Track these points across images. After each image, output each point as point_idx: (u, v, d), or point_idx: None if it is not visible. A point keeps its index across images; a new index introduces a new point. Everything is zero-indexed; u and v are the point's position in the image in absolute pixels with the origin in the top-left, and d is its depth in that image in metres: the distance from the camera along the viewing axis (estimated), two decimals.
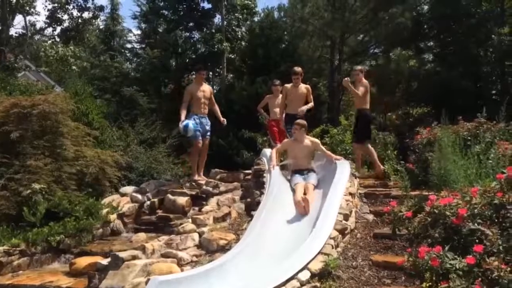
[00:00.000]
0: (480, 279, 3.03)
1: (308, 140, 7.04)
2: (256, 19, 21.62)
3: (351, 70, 20.03)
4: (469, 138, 7.31)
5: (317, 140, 7.35)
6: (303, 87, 8.21)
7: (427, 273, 3.34)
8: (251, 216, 6.20)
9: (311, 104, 8.14)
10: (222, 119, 8.41)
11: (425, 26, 17.69)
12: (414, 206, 4.20)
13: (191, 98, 8.05)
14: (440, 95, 14.31)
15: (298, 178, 6.63)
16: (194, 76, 21.77)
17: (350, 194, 6.45)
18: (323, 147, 7.37)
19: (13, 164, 6.74)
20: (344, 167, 7.08)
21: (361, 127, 8.19)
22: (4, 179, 6.49)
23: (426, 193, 5.40)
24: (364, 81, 8.13)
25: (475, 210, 3.66)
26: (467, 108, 8.90)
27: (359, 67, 8.33)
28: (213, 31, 20.47)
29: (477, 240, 3.40)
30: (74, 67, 16.55)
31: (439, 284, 3.20)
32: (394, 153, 9.14)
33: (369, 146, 8.22)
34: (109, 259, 4.89)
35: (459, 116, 8.15)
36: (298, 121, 6.99)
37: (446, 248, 3.35)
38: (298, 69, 8.31)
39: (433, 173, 6.74)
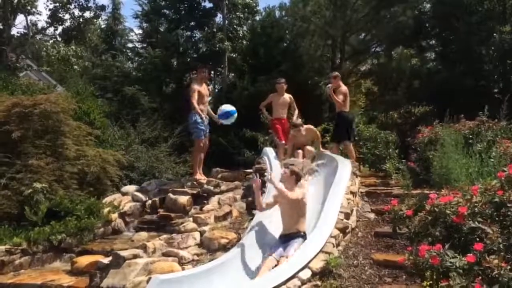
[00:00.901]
0: (480, 277, 3.03)
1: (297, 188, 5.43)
2: (257, 18, 21.60)
3: (352, 68, 20.06)
4: (470, 136, 7.31)
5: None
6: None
7: (427, 272, 3.33)
8: (252, 215, 6.20)
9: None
10: (217, 119, 8.24)
11: (427, 25, 17.61)
12: (415, 205, 4.20)
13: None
14: (442, 93, 14.26)
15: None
16: (195, 75, 21.89)
17: (351, 193, 6.45)
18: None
19: (15, 163, 6.77)
20: (345, 166, 7.08)
21: (340, 128, 8.32)
22: (6, 179, 6.51)
23: (428, 192, 5.40)
24: (343, 87, 8.27)
25: (476, 209, 3.65)
26: (469, 107, 8.87)
27: (335, 73, 8.47)
28: (215, 30, 20.46)
29: (477, 239, 3.40)
30: (75, 67, 16.59)
31: (439, 283, 3.20)
32: (395, 151, 9.13)
33: (349, 145, 8.30)
34: (110, 258, 4.90)
35: (460, 114, 8.14)
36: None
37: (447, 246, 3.35)
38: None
39: (434, 171, 6.74)
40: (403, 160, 8.10)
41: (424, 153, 7.58)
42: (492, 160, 6.15)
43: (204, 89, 8.16)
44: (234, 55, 20.19)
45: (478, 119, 7.84)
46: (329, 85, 8.38)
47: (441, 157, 6.77)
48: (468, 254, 3.20)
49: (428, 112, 16.33)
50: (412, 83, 17.66)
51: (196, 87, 7.93)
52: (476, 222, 3.52)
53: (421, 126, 8.64)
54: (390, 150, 9.18)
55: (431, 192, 5.13)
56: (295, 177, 5.39)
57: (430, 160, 7.08)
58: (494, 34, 13.87)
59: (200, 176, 7.95)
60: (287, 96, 8.67)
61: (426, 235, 3.72)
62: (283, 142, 8.21)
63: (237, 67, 20.13)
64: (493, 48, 14.35)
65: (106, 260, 4.93)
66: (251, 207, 6.79)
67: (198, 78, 8.12)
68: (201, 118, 7.86)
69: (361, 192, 7.24)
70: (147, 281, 4.38)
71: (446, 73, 15.22)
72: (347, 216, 5.76)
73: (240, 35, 20.81)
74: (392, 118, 18.87)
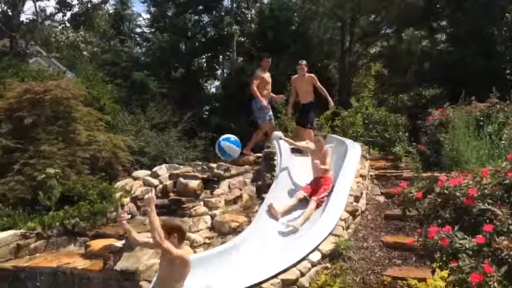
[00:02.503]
0: (489, 258, 3.04)
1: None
2: (265, 0, 21.38)
3: (362, 51, 19.85)
4: (481, 118, 7.24)
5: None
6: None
7: (437, 253, 3.35)
8: (262, 199, 6.26)
9: None
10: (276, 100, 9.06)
11: (438, 6, 17.33)
12: (425, 187, 4.19)
13: (259, 83, 8.25)
14: (453, 75, 14.09)
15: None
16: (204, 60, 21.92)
17: (361, 176, 6.46)
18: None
19: (28, 149, 6.86)
20: (354, 150, 7.08)
21: (305, 115, 8.45)
22: (19, 164, 6.61)
23: (438, 175, 5.38)
24: (308, 75, 8.42)
25: (486, 191, 3.65)
26: (480, 89, 8.76)
27: (303, 62, 8.50)
28: (223, 14, 20.30)
29: (487, 220, 3.40)
30: (84, 53, 16.62)
31: (448, 264, 3.22)
32: (405, 134, 9.08)
33: (310, 131, 8.22)
34: (123, 242, 4.98)
35: (472, 96, 8.05)
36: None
37: (456, 228, 3.36)
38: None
39: (445, 154, 6.70)
40: (413, 143, 8.06)
41: (435, 135, 7.51)
42: (503, 142, 6.11)
43: (268, 77, 8.44)
44: (242, 39, 20.05)
45: (489, 101, 7.74)
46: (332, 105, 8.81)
47: (452, 140, 6.73)
48: (478, 236, 3.21)
49: (438, 95, 16.20)
50: (423, 65, 17.45)
51: (260, 74, 8.31)
52: (486, 204, 3.52)
53: (432, 109, 8.56)
54: (400, 133, 9.12)
55: (441, 174, 5.12)
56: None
57: (440, 142, 7.03)
58: (506, 14, 13.60)
59: (249, 153, 8.38)
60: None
61: (436, 217, 3.73)
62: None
63: (246, 50, 20.01)
64: (505, 28, 14.09)
65: (119, 244, 5.02)
66: (261, 191, 6.84)
67: (263, 66, 8.42)
68: (262, 103, 8.18)
69: (370, 175, 7.24)
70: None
71: (457, 55, 15.00)
72: (357, 199, 5.79)
73: (249, 18, 20.63)
74: (402, 101, 18.74)
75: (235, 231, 5.68)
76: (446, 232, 3.29)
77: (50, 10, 27.81)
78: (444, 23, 17.90)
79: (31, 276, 5.15)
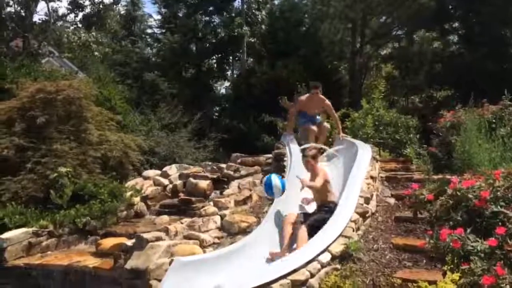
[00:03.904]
0: (501, 261, 3.02)
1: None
2: (276, 2, 21.45)
3: (373, 52, 19.75)
4: (494, 121, 7.18)
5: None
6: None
7: (448, 255, 3.33)
8: (272, 200, 6.25)
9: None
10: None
11: (450, 7, 17.23)
12: (436, 189, 4.17)
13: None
14: (465, 77, 14.00)
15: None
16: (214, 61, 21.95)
17: (371, 177, 6.42)
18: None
19: (40, 148, 6.92)
20: (365, 151, 7.05)
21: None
22: (32, 163, 6.67)
23: (449, 177, 5.34)
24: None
25: (498, 193, 3.62)
26: (492, 91, 8.69)
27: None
28: (233, 15, 20.40)
29: (499, 223, 3.38)
30: (96, 53, 16.74)
31: (460, 266, 3.20)
32: (416, 136, 9.04)
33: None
34: (133, 240, 5.00)
35: (484, 98, 7.98)
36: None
37: (468, 230, 3.34)
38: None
39: (456, 156, 6.66)
40: (424, 145, 8.02)
41: (446, 138, 7.47)
42: None
43: (310, 101, 8.08)
44: (252, 40, 20.12)
45: (502, 103, 7.67)
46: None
47: (464, 142, 6.69)
48: (490, 238, 3.19)
49: (450, 97, 16.08)
50: (434, 67, 17.35)
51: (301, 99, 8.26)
52: (499, 206, 3.49)
53: (443, 111, 8.50)
54: (411, 135, 9.10)
55: (452, 177, 5.08)
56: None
57: (452, 145, 7.00)
58: None
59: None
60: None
61: (447, 219, 3.71)
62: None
63: (256, 51, 20.09)
64: None
65: (129, 242, 5.04)
66: None
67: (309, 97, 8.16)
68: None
69: (381, 177, 7.20)
70: (170, 263, 4.49)
71: (469, 57, 14.91)
72: (367, 200, 5.75)
73: (259, 19, 20.70)
74: (413, 103, 18.64)
75: (245, 231, 5.67)
76: (458, 234, 3.27)
77: (62, 10, 28.11)
78: (456, 24, 17.79)
79: (42, 274, 5.20)
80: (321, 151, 8.20)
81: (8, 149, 6.69)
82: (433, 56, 17.22)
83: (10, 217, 5.84)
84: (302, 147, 7.58)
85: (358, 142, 7.67)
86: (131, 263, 4.66)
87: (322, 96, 8.07)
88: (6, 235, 5.48)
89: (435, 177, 6.16)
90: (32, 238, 5.69)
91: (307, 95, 8.27)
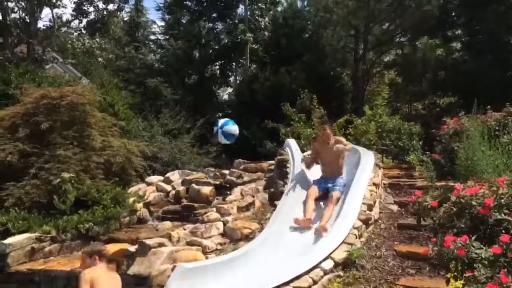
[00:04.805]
0: (505, 269, 3.00)
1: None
2: (279, 8, 21.53)
3: (376, 59, 19.78)
4: (497, 128, 7.16)
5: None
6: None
7: (452, 263, 3.31)
8: (275, 206, 6.25)
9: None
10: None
11: (453, 14, 17.28)
12: (440, 196, 4.15)
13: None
14: (468, 84, 14.00)
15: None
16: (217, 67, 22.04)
17: (374, 184, 6.42)
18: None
19: (43, 153, 6.95)
20: (368, 158, 7.04)
21: None
22: (35, 168, 6.70)
23: (452, 184, 5.32)
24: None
25: (502, 200, 3.60)
26: (496, 98, 8.68)
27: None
28: (236, 21, 20.48)
29: (503, 230, 3.36)
30: (100, 59, 16.85)
31: (464, 274, 3.18)
32: (419, 143, 9.02)
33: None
34: (136, 246, 5.02)
35: (487, 106, 7.98)
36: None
37: (473, 238, 3.32)
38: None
39: (459, 163, 6.64)
40: (427, 152, 8.00)
41: (449, 145, 7.47)
42: None
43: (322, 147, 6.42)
44: (255, 46, 20.18)
45: (505, 110, 7.67)
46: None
47: (467, 149, 6.67)
48: (494, 246, 3.18)
49: (453, 104, 16.09)
50: (438, 74, 17.35)
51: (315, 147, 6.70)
52: (503, 214, 3.48)
53: (446, 118, 8.50)
54: (414, 141, 9.08)
55: (455, 184, 5.07)
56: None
57: (455, 152, 6.98)
58: None
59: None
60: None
61: (451, 226, 3.69)
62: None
63: (259, 58, 20.14)
64: None
65: (132, 248, 5.06)
66: (273, 198, 6.83)
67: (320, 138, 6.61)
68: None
69: (384, 184, 7.19)
70: (172, 269, 4.49)
71: (472, 64, 14.90)
72: (370, 207, 5.75)
73: (262, 26, 20.79)
74: (416, 110, 18.62)
75: (247, 237, 5.67)
76: (463, 241, 3.25)
77: (66, 17, 28.27)
78: (459, 31, 17.81)
79: (45, 279, 5.19)
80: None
81: (12, 154, 6.72)
82: (437, 63, 17.22)
83: (13, 222, 5.85)
84: (306, 153, 7.59)
85: (361, 149, 7.66)
86: (133, 269, 4.67)
87: (337, 138, 6.54)
88: (9, 240, 5.49)
89: (438, 184, 6.14)
90: (35, 244, 5.70)
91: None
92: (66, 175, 6.55)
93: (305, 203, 5.88)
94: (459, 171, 6.55)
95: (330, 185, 6.02)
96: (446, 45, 17.69)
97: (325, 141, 6.33)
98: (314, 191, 5.98)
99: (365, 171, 6.49)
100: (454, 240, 3.35)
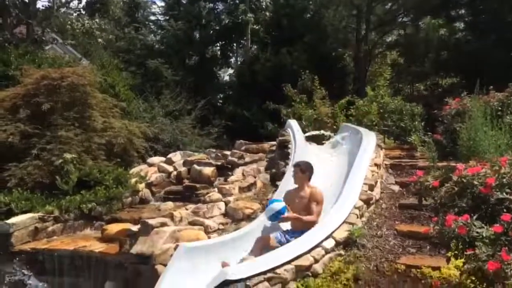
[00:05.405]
0: (506, 247, 3.02)
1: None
2: None
3: (378, 40, 19.60)
4: (500, 108, 7.13)
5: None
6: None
7: (453, 241, 3.33)
8: (276, 186, 6.27)
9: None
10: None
11: None
12: (441, 176, 4.15)
13: None
14: (471, 64, 13.89)
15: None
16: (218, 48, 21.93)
17: (376, 165, 6.43)
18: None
19: (45, 134, 6.94)
20: (369, 138, 7.04)
21: None
22: (37, 149, 6.69)
23: (454, 164, 5.33)
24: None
25: (504, 180, 3.59)
26: (500, 78, 8.62)
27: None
28: (237, 1, 20.25)
29: (504, 209, 3.36)
30: (99, 40, 16.70)
31: (464, 252, 3.20)
32: (421, 124, 9.01)
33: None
34: (139, 226, 5.05)
35: (490, 86, 7.93)
36: None
37: (475, 217, 3.33)
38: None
39: (461, 144, 6.64)
40: (429, 133, 7.99)
41: (451, 125, 7.45)
42: None
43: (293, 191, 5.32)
44: (256, 27, 20.00)
45: (508, 91, 7.62)
46: None
47: (469, 129, 6.65)
48: (495, 225, 3.18)
49: (456, 84, 15.99)
50: (440, 54, 17.20)
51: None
52: (504, 193, 3.47)
53: (449, 98, 8.46)
54: (416, 122, 9.06)
55: (457, 164, 5.07)
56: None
57: (457, 132, 6.97)
58: None
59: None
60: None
61: (453, 205, 3.69)
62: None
63: (260, 39, 19.99)
64: None
65: (135, 228, 5.09)
66: (275, 179, 6.86)
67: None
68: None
69: (385, 164, 7.20)
70: (175, 248, 4.53)
71: (476, 44, 14.75)
72: (371, 187, 5.76)
73: (263, 6, 20.57)
74: (418, 90, 18.53)
75: (249, 217, 5.71)
76: (464, 220, 3.26)
77: None
78: (462, 11, 17.59)
79: (49, 258, 5.25)
80: (325, 138, 8.23)
81: (13, 135, 6.71)
82: (439, 43, 17.06)
83: (16, 202, 5.88)
84: (307, 134, 7.58)
85: (363, 130, 7.66)
86: (136, 248, 4.71)
87: (314, 191, 5.08)
88: (12, 220, 5.52)
89: (440, 164, 6.15)
90: (38, 223, 5.74)
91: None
92: (68, 155, 6.55)
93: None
94: (461, 151, 6.55)
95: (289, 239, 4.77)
96: (449, 25, 17.49)
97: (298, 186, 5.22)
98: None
99: (366, 152, 6.51)
100: (455, 219, 3.35)
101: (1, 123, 6.90)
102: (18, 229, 5.48)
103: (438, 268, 4.06)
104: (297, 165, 5.27)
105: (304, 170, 5.15)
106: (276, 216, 4.86)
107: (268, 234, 4.94)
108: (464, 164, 4.21)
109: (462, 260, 3.34)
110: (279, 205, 4.87)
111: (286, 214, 4.85)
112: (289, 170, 6.28)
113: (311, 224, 4.83)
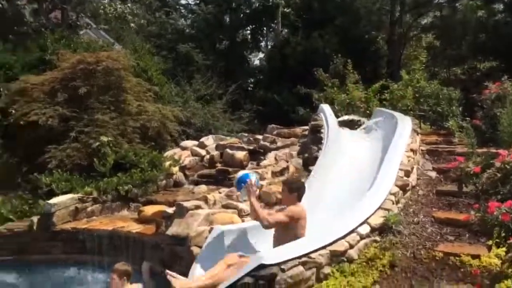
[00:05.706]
0: None
1: None
2: None
3: (413, 22, 19.04)
4: None
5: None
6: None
7: (495, 229, 3.25)
8: (309, 171, 6.24)
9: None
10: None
11: None
12: (482, 162, 4.05)
13: None
14: (510, 47, 13.35)
15: None
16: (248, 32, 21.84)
17: (412, 150, 6.30)
18: None
19: (82, 118, 7.13)
20: (405, 123, 6.89)
21: None
22: (75, 132, 6.89)
23: (495, 150, 5.16)
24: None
25: None
26: None
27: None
28: None
29: None
30: (132, 24, 16.86)
31: (508, 240, 3.12)
32: (459, 109, 8.75)
33: None
34: (174, 208, 5.13)
35: None
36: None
37: None
38: None
39: (502, 129, 6.43)
40: (467, 118, 7.77)
41: (491, 110, 7.21)
42: None
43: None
44: (287, 10, 19.75)
45: None
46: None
47: (510, 115, 6.44)
48: None
49: (494, 68, 15.40)
50: (478, 37, 16.57)
51: None
52: None
53: (488, 82, 8.17)
54: (453, 107, 8.82)
55: (498, 150, 4.91)
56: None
57: (497, 117, 6.75)
58: None
59: None
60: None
61: (495, 192, 3.61)
62: None
63: (291, 22, 19.74)
64: None
65: (170, 210, 5.17)
66: (307, 163, 6.82)
67: None
68: None
69: (422, 150, 7.05)
70: (209, 231, 4.59)
71: None
72: (407, 173, 5.66)
73: None
74: (455, 74, 17.96)
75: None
76: (508, 207, 3.17)
77: None
78: None
79: (89, 238, 5.43)
80: (358, 123, 8.11)
81: (52, 118, 6.92)
82: (477, 25, 16.43)
83: (57, 183, 6.10)
84: (340, 119, 7.49)
85: (397, 114, 7.50)
86: (172, 230, 4.79)
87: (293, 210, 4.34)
88: (54, 200, 5.73)
89: (480, 150, 5.97)
90: (78, 204, 5.94)
91: None
92: (104, 138, 6.72)
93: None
94: (502, 137, 6.35)
95: None
96: (488, 6, 16.78)
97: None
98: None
99: (402, 137, 6.37)
100: (498, 206, 3.27)
101: (41, 107, 7.12)
102: (59, 209, 5.68)
103: (478, 257, 3.96)
104: (285, 183, 4.59)
105: (292, 190, 4.42)
106: (240, 184, 4.46)
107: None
108: (506, 150, 4.09)
109: (504, 248, 3.26)
110: (242, 173, 4.61)
111: (252, 199, 4.28)
112: (322, 154, 6.25)
113: (261, 220, 4.19)
